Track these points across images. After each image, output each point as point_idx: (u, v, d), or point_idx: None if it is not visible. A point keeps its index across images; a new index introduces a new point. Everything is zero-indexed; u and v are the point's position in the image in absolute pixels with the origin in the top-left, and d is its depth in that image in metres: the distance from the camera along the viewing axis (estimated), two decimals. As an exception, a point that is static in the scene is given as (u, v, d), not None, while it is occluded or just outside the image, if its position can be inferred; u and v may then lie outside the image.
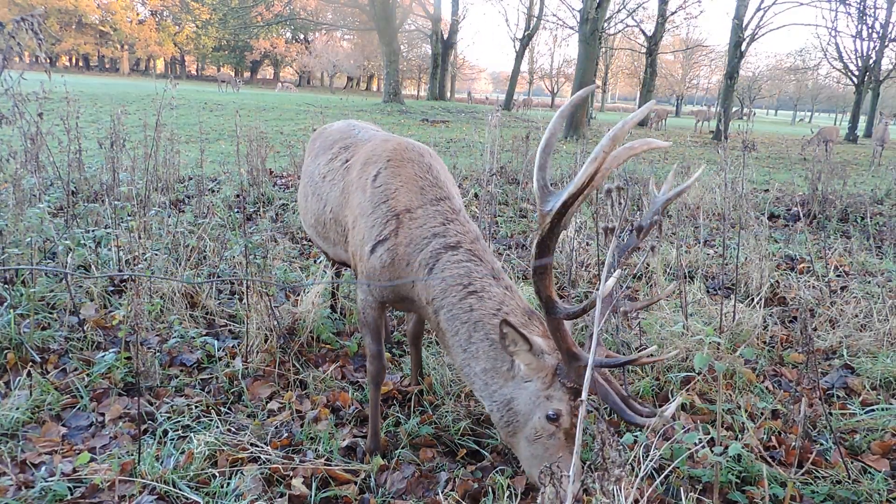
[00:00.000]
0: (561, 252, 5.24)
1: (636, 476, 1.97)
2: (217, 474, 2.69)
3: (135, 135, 9.23)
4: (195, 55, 74.86)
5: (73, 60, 71.47)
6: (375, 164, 2.96)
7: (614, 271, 2.06)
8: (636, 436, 2.97)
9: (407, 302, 2.85)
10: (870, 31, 34.39)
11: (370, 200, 2.86)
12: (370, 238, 2.80)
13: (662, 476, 2.44)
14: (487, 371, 2.43)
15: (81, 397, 3.23)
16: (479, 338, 2.45)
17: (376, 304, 2.92)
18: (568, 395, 2.23)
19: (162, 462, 2.74)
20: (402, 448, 3.01)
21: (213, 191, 8.05)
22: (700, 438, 2.04)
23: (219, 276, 4.81)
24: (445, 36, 42.45)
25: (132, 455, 2.76)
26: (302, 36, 73.42)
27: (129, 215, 5.63)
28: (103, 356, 3.49)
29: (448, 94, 48.67)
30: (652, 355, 1.97)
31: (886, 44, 34.32)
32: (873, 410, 3.39)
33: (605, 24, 27.31)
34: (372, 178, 2.91)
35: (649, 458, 2.08)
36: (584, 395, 1.32)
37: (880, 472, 2.83)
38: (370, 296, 2.91)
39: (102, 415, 3.15)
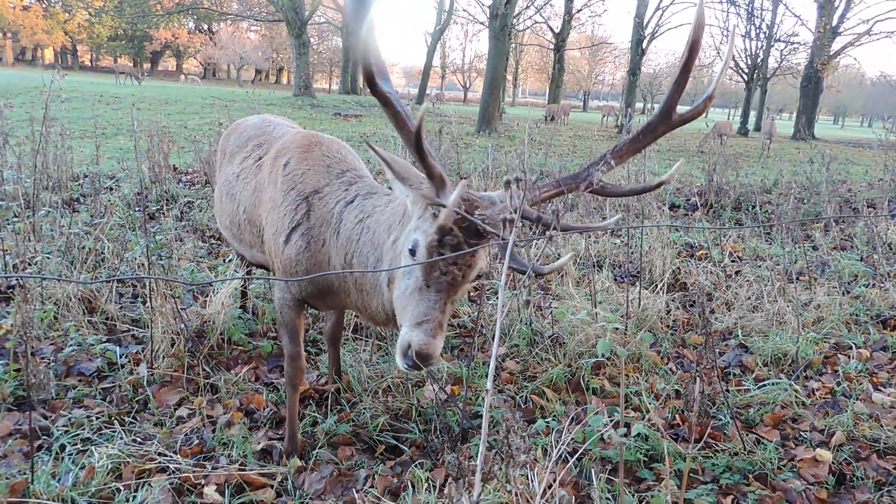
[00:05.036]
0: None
1: (549, 460, 2.03)
2: (122, 488, 2.55)
3: (21, 129, 8.53)
4: (88, 45, 70.12)
5: (-52, 48, 65.33)
6: (285, 156, 2.93)
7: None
8: (548, 422, 3.06)
9: (327, 294, 2.76)
10: (758, 31, 36.84)
11: (280, 190, 2.82)
12: (284, 228, 2.74)
13: (574, 458, 2.52)
14: (394, 241, 2.33)
15: (-36, 415, 2.97)
16: (381, 231, 2.41)
17: (294, 301, 2.83)
18: (434, 229, 2.01)
19: (59, 479, 2.57)
20: (320, 448, 2.96)
21: (111, 189, 7.59)
22: (607, 421, 2.13)
23: (119, 279, 4.55)
24: (356, 29, 41.88)
25: (24, 474, 2.56)
26: (206, 26, 70.41)
27: (16, 216, 5.23)
28: (-11, 369, 3.22)
29: (361, 88, 48.06)
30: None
31: (772, 43, 36.89)
32: (765, 385, 3.64)
33: (515, 21, 27.85)
34: (282, 169, 2.88)
35: (561, 441, 2.15)
36: (489, 384, 1.34)
37: (772, 442, 3.05)
38: (287, 293, 2.82)
39: (-10, 433, 2.91)
